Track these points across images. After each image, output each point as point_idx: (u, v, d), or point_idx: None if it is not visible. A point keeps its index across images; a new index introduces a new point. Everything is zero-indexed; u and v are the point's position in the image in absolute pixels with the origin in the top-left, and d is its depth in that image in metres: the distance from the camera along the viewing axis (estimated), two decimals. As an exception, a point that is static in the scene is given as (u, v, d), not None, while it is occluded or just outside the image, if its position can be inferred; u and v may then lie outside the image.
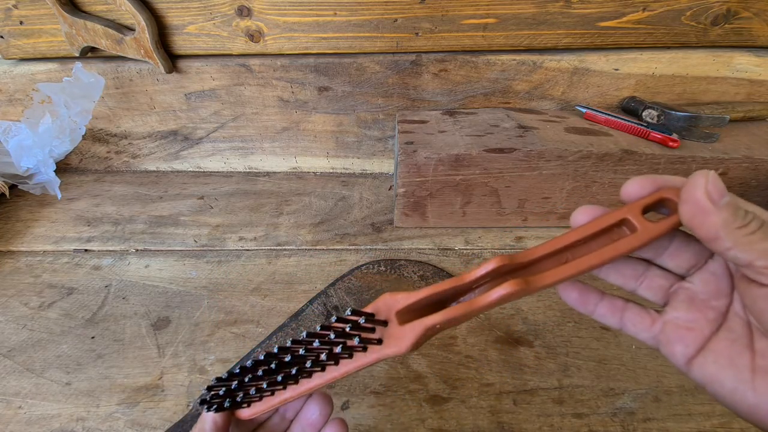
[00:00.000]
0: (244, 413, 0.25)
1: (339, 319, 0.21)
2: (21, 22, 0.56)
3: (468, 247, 0.53)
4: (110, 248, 0.53)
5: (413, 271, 0.48)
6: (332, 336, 0.21)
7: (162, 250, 0.53)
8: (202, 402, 0.24)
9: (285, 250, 0.53)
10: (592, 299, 0.24)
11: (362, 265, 0.49)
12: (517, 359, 0.40)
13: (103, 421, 0.36)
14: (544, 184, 0.52)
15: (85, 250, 0.53)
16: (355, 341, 0.20)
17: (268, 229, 0.56)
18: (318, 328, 0.21)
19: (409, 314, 0.22)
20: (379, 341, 0.21)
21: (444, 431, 0.35)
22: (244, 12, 0.53)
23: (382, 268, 0.48)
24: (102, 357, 0.41)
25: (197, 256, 0.52)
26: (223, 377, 0.24)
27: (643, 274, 0.23)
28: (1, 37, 0.57)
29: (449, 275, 0.48)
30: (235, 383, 0.24)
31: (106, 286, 0.48)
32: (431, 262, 0.50)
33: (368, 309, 0.22)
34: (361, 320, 0.21)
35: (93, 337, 0.42)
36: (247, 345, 0.41)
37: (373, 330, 0.22)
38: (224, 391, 0.24)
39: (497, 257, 0.21)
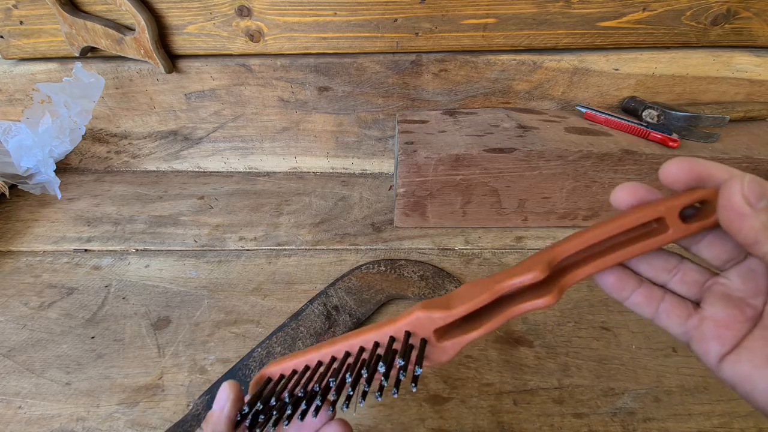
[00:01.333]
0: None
1: (386, 364, 0.21)
2: (21, 22, 0.56)
3: (468, 247, 0.53)
4: (110, 248, 0.53)
5: (413, 271, 0.48)
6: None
7: (162, 250, 0.53)
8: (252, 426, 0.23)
9: (285, 250, 0.53)
10: (629, 285, 0.23)
11: (362, 265, 0.49)
12: (517, 359, 0.40)
13: (103, 421, 0.36)
14: (544, 183, 0.52)
15: (85, 250, 0.53)
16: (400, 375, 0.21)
17: (268, 229, 0.56)
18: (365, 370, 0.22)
19: (444, 328, 0.22)
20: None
21: (444, 431, 0.35)
22: (244, 12, 0.53)
23: (382, 268, 0.48)
24: (102, 357, 0.41)
25: (197, 256, 0.52)
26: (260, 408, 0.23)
27: (676, 267, 0.22)
28: (1, 37, 0.57)
29: (449, 275, 0.48)
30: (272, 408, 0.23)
31: (106, 286, 0.48)
32: (431, 262, 0.50)
33: (404, 325, 0.22)
34: (400, 362, 0.21)
35: (93, 337, 0.42)
36: (248, 345, 0.41)
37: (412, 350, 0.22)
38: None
39: (537, 270, 0.20)
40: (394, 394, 0.20)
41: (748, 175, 0.18)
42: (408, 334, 0.22)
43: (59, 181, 0.60)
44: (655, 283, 0.23)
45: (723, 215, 0.18)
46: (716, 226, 0.19)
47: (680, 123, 0.51)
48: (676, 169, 0.20)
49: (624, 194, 0.21)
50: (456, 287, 0.46)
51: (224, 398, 0.23)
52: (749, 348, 0.19)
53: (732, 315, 0.20)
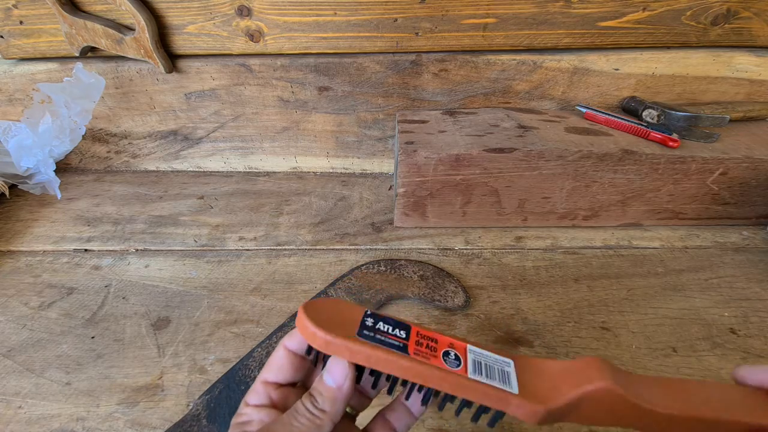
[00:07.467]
0: None
1: None
2: (21, 22, 0.56)
3: (468, 247, 0.53)
4: (110, 248, 0.53)
5: (413, 271, 0.48)
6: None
7: (162, 250, 0.53)
8: None
9: (285, 250, 0.53)
10: None
11: (362, 265, 0.49)
12: (517, 359, 0.40)
13: (103, 421, 0.36)
14: (544, 183, 0.52)
15: (85, 250, 0.53)
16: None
17: (268, 229, 0.56)
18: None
19: None
20: None
21: (444, 431, 0.35)
22: (244, 12, 0.53)
23: (382, 268, 0.48)
24: (102, 357, 0.41)
25: (197, 256, 0.52)
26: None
27: None
28: (1, 37, 0.57)
29: (449, 275, 0.48)
30: None
31: (106, 286, 0.48)
32: (431, 262, 0.50)
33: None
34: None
35: (93, 337, 0.42)
36: (247, 345, 0.41)
37: None
38: None
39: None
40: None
41: None
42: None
43: (59, 181, 0.60)
44: None
45: None
46: None
47: (680, 123, 0.51)
48: (748, 377, 0.23)
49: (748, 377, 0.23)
50: (456, 287, 0.46)
51: (342, 375, 0.23)
52: None
53: None
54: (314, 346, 0.22)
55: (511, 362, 0.23)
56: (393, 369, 0.22)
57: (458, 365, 0.22)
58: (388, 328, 0.23)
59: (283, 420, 0.22)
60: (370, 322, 0.23)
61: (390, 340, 0.22)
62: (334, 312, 0.23)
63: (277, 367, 0.24)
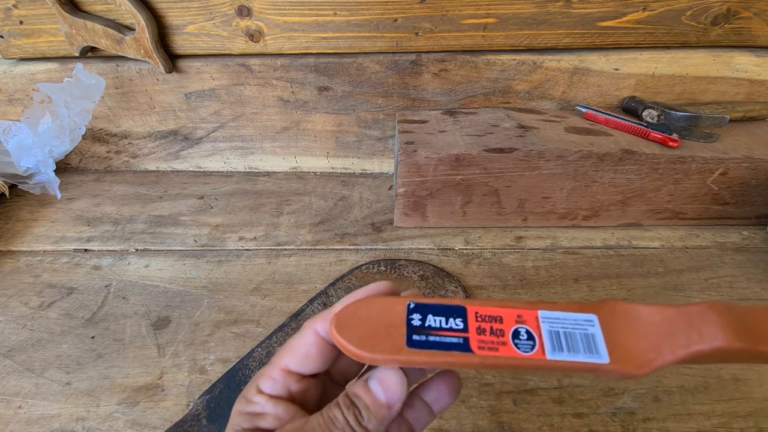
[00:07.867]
0: None
1: None
2: (21, 22, 0.56)
3: (468, 247, 0.53)
4: (110, 248, 0.53)
5: (413, 271, 0.48)
6: None
7: (162, 250, 0.53)
8: None
9: (285, 249, 0.53)
10: None
11: (362, 265, 0.49)
12: (517, 359, 0.40)
13: (103, 420, 0.36)
14: (544, 183, 0.52)
15: (85, 250, 0.53)
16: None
17: (268, 229, 0.56)
18: None
19: None
20: None
21: (444, 431, 0.35)
22: (244, 12, 0.53)
23: (382, 268, 0.48)
24: (102, 357, 0.41)
25: (197, 256, 0.52)
26: None
27: None
28: (1, 36, 0.57)
29: (449, 275, 0.48)
30: None
31: (106, 286, 0.48)
32: (431, 262, 0.50)
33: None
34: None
35: (93, 337, 0.42)
36: (248, 345, 0.41)
37: None
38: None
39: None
40: None
41: None
42: None
43: (59, 181, 0.60)
44: None
45: None
46: None
47: (680, 123, 0.51)
48: None
49: None
50: (456, 287, 0.46)
51: (396, 393, 0.19)
52: None
53: None
54: (361, 362, 0.19)
55: (595, 318, 0.20)
56: (458, 367, 0.19)
57: (533, 347, 0.19)
58: (440, 322, 0.19)
59: (312, 428, 0.19)
60: (417, 320, 0.20)
61: (447, 339, 0.19)
62: (371, 318, 0.20)
63: (304, 355, 0.21)
